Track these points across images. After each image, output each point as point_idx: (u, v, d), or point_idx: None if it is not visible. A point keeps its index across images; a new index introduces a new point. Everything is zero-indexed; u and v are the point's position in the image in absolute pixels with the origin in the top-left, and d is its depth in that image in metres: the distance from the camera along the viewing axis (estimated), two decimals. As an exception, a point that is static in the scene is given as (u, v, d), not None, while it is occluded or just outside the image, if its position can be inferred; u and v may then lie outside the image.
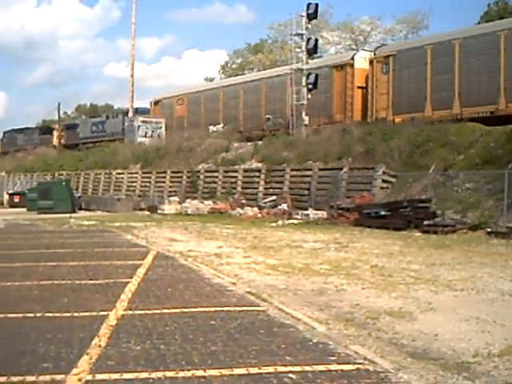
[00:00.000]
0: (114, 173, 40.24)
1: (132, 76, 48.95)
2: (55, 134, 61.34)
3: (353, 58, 31.76)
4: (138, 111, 47.78)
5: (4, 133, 72.82)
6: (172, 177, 35.39)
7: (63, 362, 5.76)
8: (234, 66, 64.88)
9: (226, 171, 31.99)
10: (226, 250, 14.92)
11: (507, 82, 24.09)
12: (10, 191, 42.60)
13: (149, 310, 8.00)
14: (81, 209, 33.92)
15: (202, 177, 33.26)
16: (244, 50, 64.86)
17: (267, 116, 35.40)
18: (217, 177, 32.34)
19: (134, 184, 38.02)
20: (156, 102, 47.56)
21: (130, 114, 46.38)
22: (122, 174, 39.51)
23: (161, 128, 42.93)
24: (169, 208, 29.91)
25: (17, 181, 50.40)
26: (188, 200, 30.95)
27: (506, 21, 27.56)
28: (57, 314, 7.83)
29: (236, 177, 31.17)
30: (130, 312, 7.88)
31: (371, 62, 30.08)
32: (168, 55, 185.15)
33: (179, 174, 34.84)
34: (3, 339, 6.62)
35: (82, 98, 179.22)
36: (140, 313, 7.83)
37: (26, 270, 11.73)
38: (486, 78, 24.93)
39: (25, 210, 34.24)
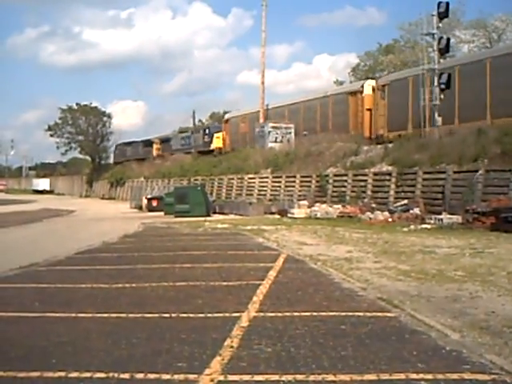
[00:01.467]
0: (245, 177, 41.16)
1: (262, 83, 49.84)
2: (154, 146, 68.58)
3: (362, 86, 38.00)
4: (211, 129, 56.05)
5: (116, 145, 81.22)
6: (301, 181, 35.60)
7: (196, 361, 5.98)
8: (365, 68, 63.95)
9: (356, 175, 31.65)
10: (356, 254, 14.79)
11: None
12: (149, 196, 44.33)
13: (280, 312, 8.11)
14: (215, 212, 34.75)
15: (330, 181, 33.16)
16: (375, 51, 63.77)
17: (304, 132, 41.39)
18: (346, 181, 32.11)
19: (265, 188, 38.65)
20: (226, 121, 55.06)
21: (261, 121, 47.16)
22: (254, 178, 40.29)
23: (290, 133, 43.27)
24: (298, 212, 30.07)
25: (154, 186, 52.72)
26: (317, 204, 30.93)
27: None
28: (191, 315, 8.14)
29: (366, 180, 30.81)
30: (262, 314, 8.03)
31: (374, 90, 36.42)
32: (298, 61, 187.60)
33: (308, 178, 34.96)
34: (141, 338, 6.97)
35: (216, 105, 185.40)
36: (271, 315, 7.96)
37: (163, 272, 12.29)
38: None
39: (162, 213, 35.56)
